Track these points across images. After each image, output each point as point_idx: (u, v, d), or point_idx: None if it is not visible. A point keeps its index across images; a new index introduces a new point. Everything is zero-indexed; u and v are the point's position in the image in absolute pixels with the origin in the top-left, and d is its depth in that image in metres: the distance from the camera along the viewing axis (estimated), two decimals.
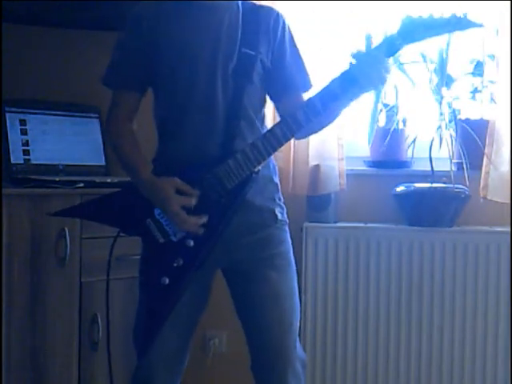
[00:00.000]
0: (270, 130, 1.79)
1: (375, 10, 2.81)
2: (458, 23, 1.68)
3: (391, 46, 1.72)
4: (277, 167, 1.99)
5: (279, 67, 1.90)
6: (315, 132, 2.01)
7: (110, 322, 2.06)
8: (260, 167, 1.80)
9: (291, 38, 1.94)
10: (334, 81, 1.75)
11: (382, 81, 1.75)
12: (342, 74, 1.75)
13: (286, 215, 1.97)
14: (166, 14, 1.88)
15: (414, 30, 1.69)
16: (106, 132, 1.97)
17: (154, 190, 1.82)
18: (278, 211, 1.93)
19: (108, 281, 1.95)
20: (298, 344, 1.95)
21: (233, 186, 1.79)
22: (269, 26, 1.89)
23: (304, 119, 1.75)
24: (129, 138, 1.92)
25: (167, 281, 1.80)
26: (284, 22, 1.92)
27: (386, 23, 1.75)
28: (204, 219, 1.79)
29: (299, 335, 1.99)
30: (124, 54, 1.92)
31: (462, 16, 1.68)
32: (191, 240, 1.81)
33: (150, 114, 1.96)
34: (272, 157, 1.95)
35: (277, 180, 1.96)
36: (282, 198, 1.98)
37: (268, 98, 1.97)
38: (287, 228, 1.97)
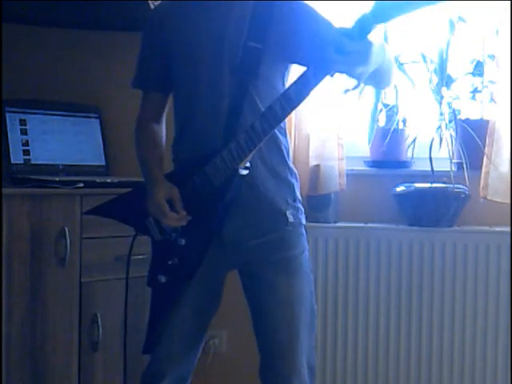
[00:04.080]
0: (250, 126, 1.75)
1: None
2: None
3: (364, 27, 1.60)
4: (295, 169, 1.95)
5: (315, 37, 1.81)
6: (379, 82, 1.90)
7: (109, 322, 2.06)
8: (248, 163, 1.78)
9: (311, 8, 1.86)
10: (307, 70, 1.69)
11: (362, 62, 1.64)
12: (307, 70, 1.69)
13: (301, 217, 1.91)
14: (178, 13, 1.89)
15: (388, 8, 1.58)
16: (134, 131, 1.99)
17: (151, 190, 1.85)
18: (289, 213, 1.88)
19: (127, 279, 1.95)
20: (307, 350, 1.91)
21: (219, 184, 1.78)
22: (281, 11, 1.83)
23: (280, 111, 1.71)
24: (149, 137, 1.95)
25: (163, 279, 1.82)
26: (298, 3, 1.86)
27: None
28: (182, 214, 1.80)
29: None
30: (145, 55, 1.95)
31: None
32: (182, 239, 1.82)
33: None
34: (288, 156, 1.91)
35: (293, 180, 1.91)
36: (297, 198, 1.92)
37: None
38: (303, 230, 1.92)
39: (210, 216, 1.81)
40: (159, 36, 1.90)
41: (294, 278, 1.88)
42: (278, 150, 1.86)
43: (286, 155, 1.90)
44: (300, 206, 1.93)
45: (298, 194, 1.93)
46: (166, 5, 1.96)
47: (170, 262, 1.82)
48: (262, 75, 1.83)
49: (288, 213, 1.89)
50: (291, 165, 1.93)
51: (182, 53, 1.86)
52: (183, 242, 1.82)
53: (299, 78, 1.69)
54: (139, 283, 1.92)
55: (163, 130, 1.99)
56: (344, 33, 1.60)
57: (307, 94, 1.69)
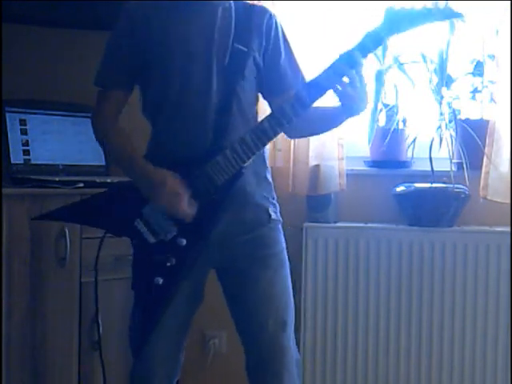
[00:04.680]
0: (258, 125, 1.77)
1: (368, 7, 2.79)
2: (440, 13, 1.70)
3: (376, 38, 1.71)
4: (269, 166, 1.98)
5: (274, 66, 1.91)
6: (311, 134, 2.02)
7: (109, 322, 2.06)
8: (250, 162, 1.79)
9: (285, 37, 1.95)
10: (320, 74, 1.74)
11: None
12: (329, 67, 1.73)
13: (279, 214, 1.96)
14: (158, 11, 1.87)
15: (398, 21, 1.70)
16: (94, 130, 1.95)
17: (149, 177, 1.80)
18: (271, 210, 1.93)
19: (96, 281, 1.94)
20: (292, 344, 1.93)
21: (222, 182, 1.78)
22: (262, 25, 1.89)
23: (292, 112, 1.74)
24: (119, 131, 1.91)
25: (161, 281, 1.80)
26: (277, 22, 1.93)
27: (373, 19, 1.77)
28: (194, 207, 1.78)
29: (298, 335, 1.99)
30: (114, 52, 1.91)
31: (443, 6, 1.70)
32: (183, 239, 1.80)
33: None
34: (266, 155, 1.95)
35: (270, 178, 1.96)
36: (275, 196, 1.97)
37: (261, 97, 1.98)
38: (280, 227, 1.96)
39: (210, 214, 1.80)
40: (136, 35, 1.86)
41: (277, 272, 1.91)
42: None
43: (264, 154, 1.93)
44: (277, 203, 1.97)
45: (274, 191, 1.97)
46: (143, 5, 1.90)
47: (168, 264, 1.80)
48: (246, 76, 1.86)
49: (270, 210, 1.92)
50: (268, 163, 1.97)
51: (169, 51, 1.84)
52: (184, 242, 1.80)
53: (312, 80, 1.73)
54: None
55: None
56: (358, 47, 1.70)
57: (319, 96, 1.73)
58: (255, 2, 2.02)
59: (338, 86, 1.72)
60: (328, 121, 1.90)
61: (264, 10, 1.94)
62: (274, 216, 1.93)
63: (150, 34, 1.85)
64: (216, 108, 1.82)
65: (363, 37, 1.71)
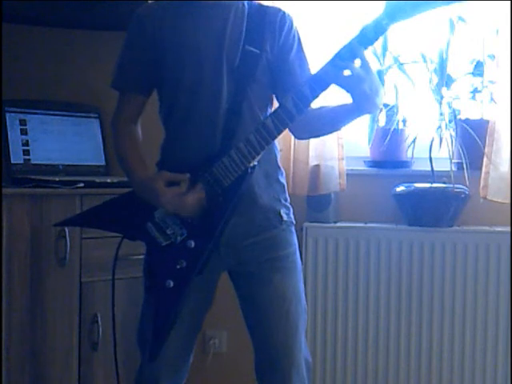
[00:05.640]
0: (262, 124, 1.75)
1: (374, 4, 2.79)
2: None
3: (377, 27, 1.65)
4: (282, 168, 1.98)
5: (282, 62, 1.89)
6: (322, 133, 2.01)
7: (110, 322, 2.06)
8: (255, 162, 1.77)
9: (297, 37, 1.92)
10: (321, 68, 1.70)
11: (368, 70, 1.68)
12: (329, 61, 1.69)
13: (292, 216, 1.95)
14: (170, 14, 1.88)
15: (400, 8, 1.63)
16: (111, 133, 1.97)
17: (146, 188, 1.82)
18: (283, 212, 1.91)
19: (113, 281, 1.93)
20: (303, 345, 1.93)
21: (229, 184, 1.77)
22: (275, 24, 1.87)
23: (294, 108, 1.70)
24: (130, 139, 1.92)
25: (172, 284, 1.79)
26: (291, 21, 1.91)
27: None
28: (198, 192, 1.77)
29: None
30: (129, 55, 1.92)
31: None
32: (192, 241, 1.80)
33: (157, 116, 1.95)
34: (279, 157, 1.95)
35: (283, 180, 1.95)
36: (288, 198, 1.96)
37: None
38: (293, 229, 1.95)
39: (219, 216, 1.79)
40: (148, 38, 1.86)
41: (289, 274, 1.90)
42: (269, 150, 1.85)
43: (276, 156, 1.92)
44: (289, 205, 1.96)
45: (287, 193, 1.96)
46: (157, 7, 1.91)
47: (178, 266, 1.79)
48: (258, 79, 1.85)
49: (282, 212, 1.91)
50: (280, 165, 1.95)
51: (180, 54, 1.84)
52: (192, 244, 1.80)
53: (313, 75, 1.70)
54: (139, 283, 1.92)
55: (140, 132, 1.96)
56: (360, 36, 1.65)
57: (320, 91, 1.70)
58: (265, 2, 2.00)
59: (340, 79, 1.66)
60: (339, 119, 1.84)
61: (277, 10, 1.92)
62: (285, 218, 1.91)
63: (161, 37, 1.86)
64: (226, 111, 1.82)
65: (363, 27, 1.66)
